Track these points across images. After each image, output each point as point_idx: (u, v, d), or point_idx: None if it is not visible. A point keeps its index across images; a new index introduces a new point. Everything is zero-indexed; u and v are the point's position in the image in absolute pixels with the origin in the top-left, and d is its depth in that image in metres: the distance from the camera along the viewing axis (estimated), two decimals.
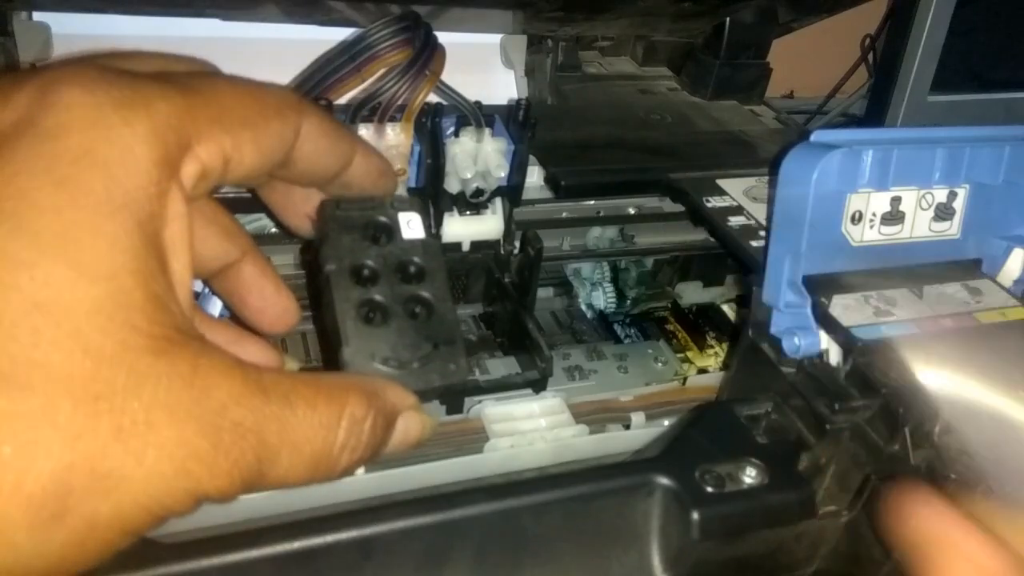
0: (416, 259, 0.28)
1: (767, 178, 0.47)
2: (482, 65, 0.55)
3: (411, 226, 0.29)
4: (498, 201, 0.43)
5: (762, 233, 0.41)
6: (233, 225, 0.28)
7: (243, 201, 0.34)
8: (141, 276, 0.19)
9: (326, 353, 0.36)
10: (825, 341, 0.32)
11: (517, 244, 0.43)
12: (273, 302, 0.29)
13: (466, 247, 0.43)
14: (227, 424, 0.20)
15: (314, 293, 0.40)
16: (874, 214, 0.34)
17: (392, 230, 0.29)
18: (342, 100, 0.37)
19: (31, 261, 0.18)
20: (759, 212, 0.43)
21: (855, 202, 0.33)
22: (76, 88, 0.20)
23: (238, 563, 0.25)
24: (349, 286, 0.27)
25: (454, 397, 0.38)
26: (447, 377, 0.27)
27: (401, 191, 0.37)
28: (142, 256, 0.20)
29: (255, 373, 0.21)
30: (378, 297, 0.27)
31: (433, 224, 0.40)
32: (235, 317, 0.30)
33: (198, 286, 0.31)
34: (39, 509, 0.17)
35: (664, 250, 0.52)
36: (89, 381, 0.18)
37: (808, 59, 0.79)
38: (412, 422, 0.25)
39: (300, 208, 0.29)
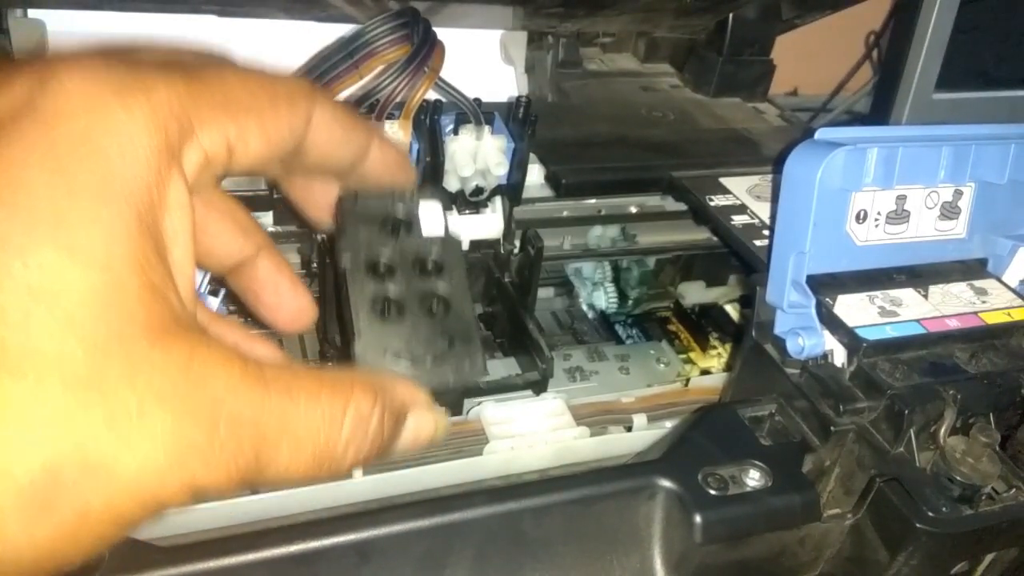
0: (434, 254, 0.28)
1: (771, 176, 0.46)
2: (482, 61, 0.54)
3: (431, 221, 0.28)
4: (498, 200, 0.42)
5: (766, 232, 0.41)
6: (249, 221, 0.27)
7: (245, 200, 0.34)
8: (138, 265, 0.19)
9: (344, 350, 0.36)
10: (830, 341, 0.32)
11: (517, 243, 0.43)
12: (288, 299, 0.28)
13: (465, 246, 0.43)
14: (224, 415, 0.19)
15: (321, 289, 0.40)
16: (879, 213, 0.33)
17: (411, 224, 0.28)
18: (340, 97, 0.37)
19: (25, 247, 0.18)
20: (763, 211, 0.43)
21: (860, 201, 0.33)
22: (76, 74, 0.20)
23: (235, 566, 0.25)
24: (364, 280, 0.26)
25: (454, 398, 0.38)
26: (462, 375, 0.26)
27: None
28: (139, 244, 0.19)
29: (255, 366, 0.20)
30: (393, 292, 0.26)
31: None
32: (251, 316, 0.29)
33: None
34: (30, 499, 0.17)
35: (666, 249, 0.51)
36: (81, 369, 0.18)
37: (812, 56, 0.78)
38: (424, 420, 0.24)
39: (320, 201, 0.29)
